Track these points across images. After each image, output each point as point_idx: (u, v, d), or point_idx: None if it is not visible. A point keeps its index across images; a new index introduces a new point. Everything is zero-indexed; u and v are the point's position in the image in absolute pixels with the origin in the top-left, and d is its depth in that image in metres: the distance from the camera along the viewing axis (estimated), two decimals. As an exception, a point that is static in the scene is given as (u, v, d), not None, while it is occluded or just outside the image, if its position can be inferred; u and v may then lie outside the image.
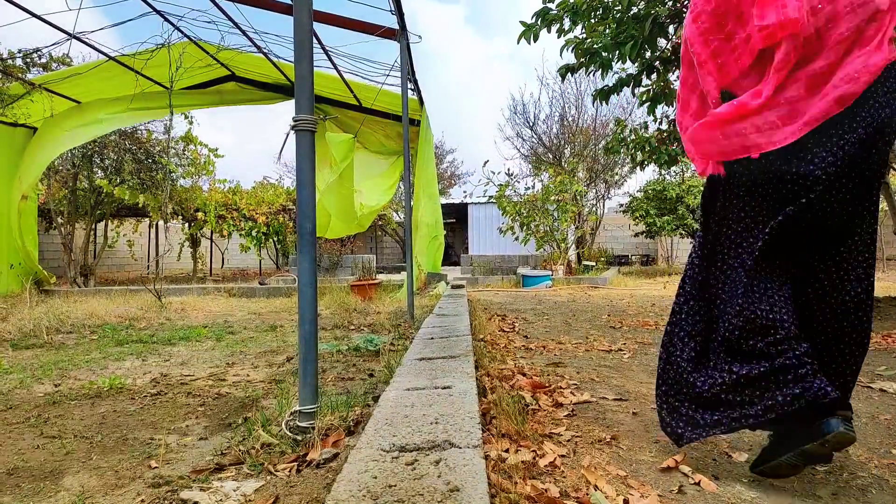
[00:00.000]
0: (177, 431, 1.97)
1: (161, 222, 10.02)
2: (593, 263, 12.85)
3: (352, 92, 6.85)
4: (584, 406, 2.07)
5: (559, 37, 4.26)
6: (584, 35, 4.35)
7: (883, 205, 13.43)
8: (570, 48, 4.26)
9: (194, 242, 11.79)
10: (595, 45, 4.04)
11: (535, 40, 4.15)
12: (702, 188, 1.73)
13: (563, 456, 1.52)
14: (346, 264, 12.67)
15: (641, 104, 4.76)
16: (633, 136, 5.72)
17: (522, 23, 4.14)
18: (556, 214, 11.64)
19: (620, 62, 4.27)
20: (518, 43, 4.22)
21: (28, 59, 6.79)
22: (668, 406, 1.58)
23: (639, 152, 5.86)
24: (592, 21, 4.25)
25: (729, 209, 1.60)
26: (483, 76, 54.50)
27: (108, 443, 1.86)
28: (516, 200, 11.88)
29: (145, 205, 8.78)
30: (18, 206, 7.10)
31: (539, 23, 4.13)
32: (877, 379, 2.65)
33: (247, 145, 50.80)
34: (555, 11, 4.13)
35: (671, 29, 4.13)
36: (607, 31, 4.26)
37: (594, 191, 15.64)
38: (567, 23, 4.20)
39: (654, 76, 4.46)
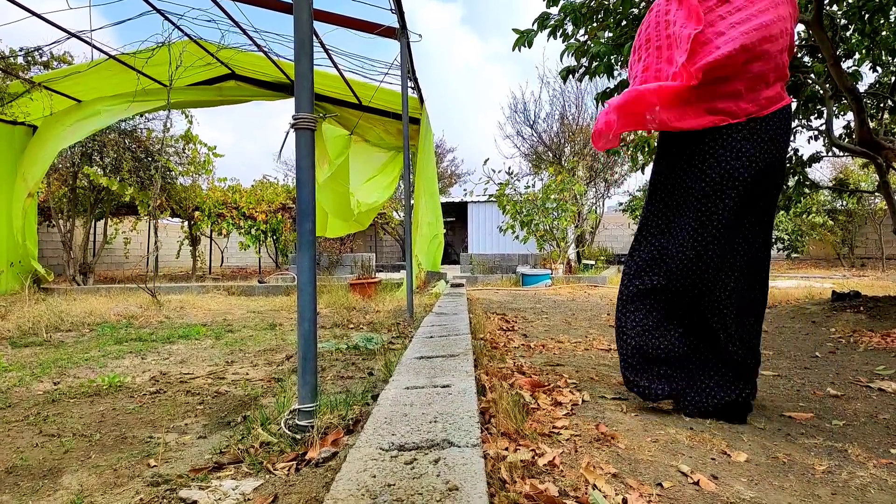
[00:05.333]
0: (176, 430, 1.97)
1: (160, 220, 10.02)
2: (593, 262, 12.84)
3: (351, 90, 6.84)
4: (584, 405, 2.07)
5: (563, 42, 4.24)
6: (586, 38, 4.33)
7: (882, 204, 13.43)
8: (570, 53, 4.25)
9: (193, 241, 11.78)
10: (594, 50, 4.03)
11: (529, 46, 4.12)
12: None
13: (562, 455, 1.51)
14: (345, 263, 12.67)
15: None
16: (632, 136, 5.71)
17: (516, 30, 4.11)
18: (556, 213, 11.63)
19: (620, 66, 4.25)
20: (514, 50, 4.18)
21: (29, 58, 6.78)
22: None
23: (639, 153, 5.85)
24: (594, 25, 4.24)
25: None
26: (482, 75, 54.52)
27: (107, 441, 1.86)
28: (516, 199, 11.86)
29: (133, 199, 8.78)
30: (25, 203, 7.09)
31: (538, 28, 4.11)
32: (876, 378, 2.65)
33: (246, 144, 50.84)
34: (556, 16, 4.11)
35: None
36: (608, 34, 4.24)
37: (594, 189, 15.62)
38: (570, 27, 4.19)
39: None
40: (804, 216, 14.45)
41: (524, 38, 4.06)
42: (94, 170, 8.29)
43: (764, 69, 1.87)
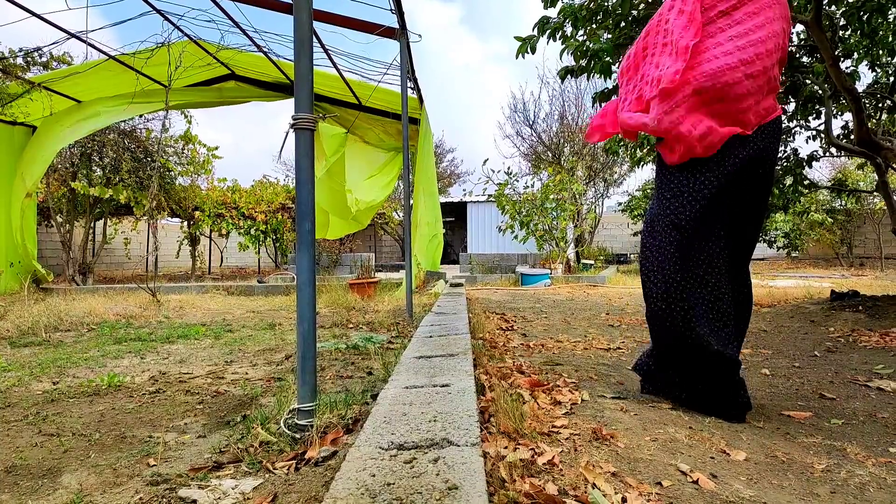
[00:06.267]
0: (175, 429, 1.97)
1: (159, 220, 10.01)
2: (592, 262, 12.86)
3: (351, 90, 6.84)
4: (583, 404, 2.07)
5: (562, 44, 4.24)
6: (585, 38, 4.33)
7: (881, 204, 13.45)
8: (570, 51, 4.24)
9: (193, 241, 11.78)
10: (593, 49, 4.02)
11: (532, 52, 4.12)
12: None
13: (561, 454, 1.52)
14: (344, 262, 12.68)
15: None
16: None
17: (518, 38, 4.10)
18: (555, 213, 11.64)
19: (618, 67, 4.25)
20: (517, 58, 4.13)
21: (29, 58, 6.77)
22: None
23: (637, 149, 5.86)
24: (593, 26, 4.24)
25: None
26: (482, 75, 54.55)
27: (106, 441, 1.86)
28: (515, 199, 11.87)
29: (129, 200, 8.78)
30: (22, 203, 7.11)
31: (538, 33, 4.10)
32: (874, 377, 2.66)
33: (245, 144, 50.84)
34: (555, 19, 4.11)
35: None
36: (608, 35, 4.24)
37: (593, 189, 15.65)
38: (569, 29, 4.18)
39: None
40: (803, 215, 14.47)
41: (527, 45, 4.06)
42: (82, 183, 8.28)
43: (760, 83, 1.97)
